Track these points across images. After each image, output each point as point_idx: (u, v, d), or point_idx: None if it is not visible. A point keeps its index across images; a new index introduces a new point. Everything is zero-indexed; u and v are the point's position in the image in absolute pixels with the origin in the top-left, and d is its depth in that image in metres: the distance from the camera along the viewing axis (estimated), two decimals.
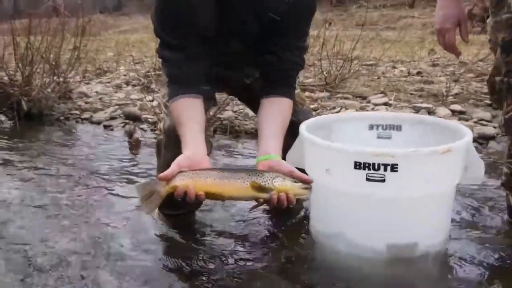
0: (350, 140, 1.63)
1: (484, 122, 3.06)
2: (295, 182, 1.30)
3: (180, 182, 1.27)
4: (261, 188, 1.26)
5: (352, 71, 4.30)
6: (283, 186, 1.28)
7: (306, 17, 1.57)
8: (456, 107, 3.35)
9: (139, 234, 1.70)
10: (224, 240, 1.65)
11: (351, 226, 1.42)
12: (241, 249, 1.58)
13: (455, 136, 1.43)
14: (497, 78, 1.55)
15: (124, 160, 2.65)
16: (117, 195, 2.09)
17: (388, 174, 1.29)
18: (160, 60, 1.59)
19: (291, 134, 1.55)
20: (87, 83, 5.13)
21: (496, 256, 1.47)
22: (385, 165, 1.29)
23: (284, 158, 1.48)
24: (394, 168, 1.29)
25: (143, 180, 2.07)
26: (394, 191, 1.32)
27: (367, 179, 1.31)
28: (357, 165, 1.31)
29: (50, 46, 4.00)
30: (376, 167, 1.30)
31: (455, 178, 1.39)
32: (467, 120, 3.17)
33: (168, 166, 1.32)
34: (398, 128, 1.68)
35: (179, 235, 1.68)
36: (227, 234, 1.69)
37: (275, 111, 1.55)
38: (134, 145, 2.92)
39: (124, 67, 6.29)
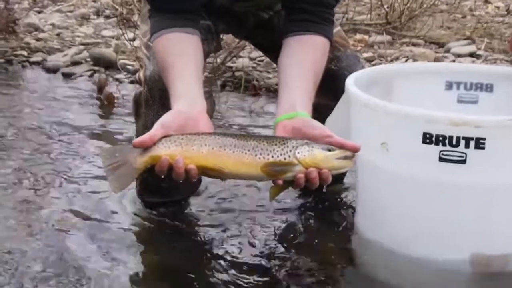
0: (418, 104, 1.68)
1: None
2: (330, 150, 1.30)
3: (164, 151, 1.28)
4: (280, 164, 1.28)
5: (425, 5, 4.35)
6: (311, 157, 1.28)
7: None
8: None
9: (105, 231, 1.80)
10: (226, 242, 1.73)
11: (414, 226, 1.49)
12: (249, 257, 1.67)
13: None
14: None
15: (90, 127, 2.75)
16: (77, 175, 2.20)
17: (471, 152, 1.34)
18: None
19: (331, 90, 1.61)
20: (39, 12, 5.33)
21: None
22: (467, 139, 1.34)
23: None
24: (480, 144, 1.33)
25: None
26: (479, 177, 1.38)
27: (441, 159, 1.37)
28: (427, 138, 1.37)
29: None
30: (454, 141, 1.35)
31: None
32: None
33: (149, 129, 1.35)
34: (489, 88, 1.76)
35: (163, 235, 1.77)
36: (230, 232, 1.78)
37: (304, 55, 1.60)
38: (106, 103, 3.05)
39: None
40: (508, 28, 4.13)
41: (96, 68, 3.69)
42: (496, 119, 1.35)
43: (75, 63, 3.79)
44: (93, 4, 5.67)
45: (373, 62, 3.59)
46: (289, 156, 1.27)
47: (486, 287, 1.48)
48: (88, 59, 3.82)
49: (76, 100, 3.20)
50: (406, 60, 3.53)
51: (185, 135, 1.30)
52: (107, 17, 5.15)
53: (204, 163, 1.27)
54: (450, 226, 1.45)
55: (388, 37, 4.02)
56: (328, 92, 1.60)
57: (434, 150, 1.36)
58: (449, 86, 1.79)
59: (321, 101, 1.57)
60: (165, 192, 1.83)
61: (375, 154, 1.49)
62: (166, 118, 1.35)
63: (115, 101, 3.08)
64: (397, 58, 3.62)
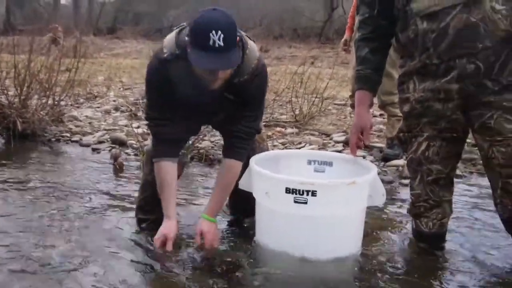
0: (293, 172, 2.09)
1: None
2: None
3: None
4: None
5: (322, 110, 4.79)
6: None
7: (258, 97, 1.95)
8: None
9: (124, 252, 1.97)
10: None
11: (285, 238, 1.85)
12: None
13: (369, 172, 1.91)
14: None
15: (108, 181, 3.01)
16: (100, 213, 2.41)
17: (310, 198, 1.74)
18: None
19: (246, 165, 1.99)
20: (78, 107, 5.53)
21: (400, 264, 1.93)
22: (307, 191, 1.74)
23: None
24: (314, 193, 1.74)
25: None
26: (315, 212, 1.76)
27: (295, 201, 1.76)
28: (288, 191, 1.76)
29: (45, 69, 4.37)
30: (301, 192, 1.75)
31: (362, 202, 1.86)
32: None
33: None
34: (330, 164, 2.13)
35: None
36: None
37: (228, 180, 1.98)
38: (118, 168, 3.29)
39: (114, 92, 6.72)
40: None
41: (113, 145, 3.91)
42: (322, 181, 1.76)
43: (100, 142, 4.01)
44: (113, 103, 5.94)
45: (286, 145, 3.86)
46: None
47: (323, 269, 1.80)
48: (109, 140, 4.04)
49: (99, 165, 3.41)
50: (305, 145, 3.80)
51: None
52: (122, 111, 5.36)
53: None
54: (301, 238, 1.80)
55: (296, 130, 4.31)
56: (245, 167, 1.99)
57: (291, 197, 1.74)
58: (309, 162, 2.13)
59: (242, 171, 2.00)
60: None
61: (263, 198, 1.85)
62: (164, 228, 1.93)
63: (124, 167, 3.31)
64: (300, 143, 3.88)
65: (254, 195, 1.93)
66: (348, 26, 3.99)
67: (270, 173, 1.84)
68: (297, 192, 1.76)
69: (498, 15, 1.64)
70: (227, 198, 2.18)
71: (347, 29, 4.01)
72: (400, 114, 3.50)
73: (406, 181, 3.12)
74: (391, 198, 2.87)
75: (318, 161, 2.16)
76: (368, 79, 1.98)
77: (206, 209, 2.01)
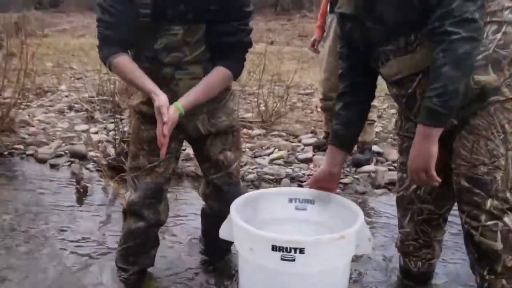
0: (273, 212, 2.03)
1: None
2: None
3: None
4: None
5: (288, 105, 4.70)
6: None
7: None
8: (375, 147, 3.84)
9: None
10: None
11: None
12: None
13: (354, 214, 1.86)
14: None
15: (71, 210, 2.83)
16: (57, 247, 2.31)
17: (297, 255, 1.67)
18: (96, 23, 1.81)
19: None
20: (27, 106, 5.21)
21: None
22: (295, 249, 1.66)
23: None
24: (302, 251, 1.67)
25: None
26: (301, 268, 1.69)
27: (281, 259, 1.67)
28: (274, 248, 1.67)
29: None
30: (288, 250, 1.66)
31: (350, 254, 1.81)
32: (382, 162, 3.67)
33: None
34: (312, 202, 2.06)
35: None
36: None
37: (213, 78, 1.84)
38: (82, 192, 3.11)
39: (66, 85, 6.37)
40: None
41: (72, 160, 3.70)
42: (310, 239, 1.69)
43: (58, 156, 3.77)
44: (66, 99, 5.63)
45: (254, 151, 3.80)
46: None
47: None
48: (67, 152, 3.81)
49: (59, 186, 3.23)
50: (273, 151, 3.74)
51: None
52: (77, 111, 5.09)
53: None
54: None
55: (263, 131, 4.23)
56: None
57: (278, 254, 1.65)
58: (290, 200, 2.05)
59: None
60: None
61: (247, 252, 1.76)
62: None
63: (88, 190, 3.14)
64: (268, 148, 3.83)
65: (237, 247, 1.84)
66: (318, 25, 3.78)
67: (255, 230, 1.75)
68: (284, 250, 1.68)
69: None
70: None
71: (317, 28, 3.80)
72: (372, 118, 3.53)
73: (380, 191, 3.14)
74: (364, 212, 2.85)
75: (299, 199, 2.08)
76: (337, 135, 1.93)
77: (181, 98, 1.83)
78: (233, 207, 1.89)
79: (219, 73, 1.85)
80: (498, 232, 1.64)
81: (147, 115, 1.97)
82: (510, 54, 1.55)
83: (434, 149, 1.53)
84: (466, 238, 1.75)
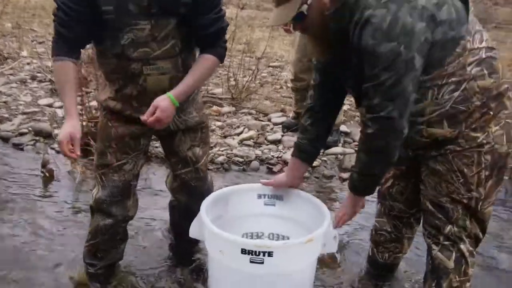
0: (243, 208, 2.06)
1: None
2: None
3: None
4: None
5: (258, 79, 4.64)
6: None
7: None
8: (342, 127, 3.86)
9: None
10: None
11: None
12: None
13: (320, 211, 1.91)
14: None
15: (36, 196, 2.79)
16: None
17: (266, 258, 1.71)
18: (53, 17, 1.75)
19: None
20: None
21: None
22: (264, 252, 1.70)
23: None
24: (270, 254, 1.72)
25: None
26: (271, 270, 1.74)
27: (251, 261, 1.71)
28: (244, 251, 1.71)
29: None
30: (257, 253, 1.71)
31: (316, 253, 1.87)
32: (350, 143, 3.71)
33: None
34: (280, 197, 2.10)
35: None
36: None
37: (202, 66, 1.84)
38: (48, 176, 3.04)
39: (27, 51, 6.09)
40: None
41: (37, 138, 3.59)
42: (278, 243, 1.77)
43: (22, 134, 3.65)
44: (28, 67, 5.39)
45: (224, 130, 3.78)
46: None
47: None
48: (31, 129, 3.68)
49: (24, 171, 3.14)
50: (243, 130, 3.73)
51: None
52: (40, 81, 4.88)
53: None
54: None
55: (233, 108, 4.18)
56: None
57: (247, 257, 1.69)
58: (259, 196, 2.08)
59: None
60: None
61: (217, 254, 1.79)
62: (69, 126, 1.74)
63: (54, 174, 3.08)
64: (238, 127, 3.81)
65: (207, 248, 1.87)
66: None
67: (225, 233, 1.78)
68: (253, 253, 1.72)
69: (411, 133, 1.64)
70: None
71: None
72: None
73: (346, 175, 3.21)
74: (329, 198, 2.93)
75: (268, 195, 2.11)
76: (301, 149, 1.95)
77: (173, 90, 1.81)
78: (203, 207, 1.90)
79: (205, 60, 1.86)
80: (454, 253, 1.75)
81: (114, 111, 1.94)
82: (469, 108, 1.59)
83: (359, 207, 1.83)
84: (427, 249, 1.86)
